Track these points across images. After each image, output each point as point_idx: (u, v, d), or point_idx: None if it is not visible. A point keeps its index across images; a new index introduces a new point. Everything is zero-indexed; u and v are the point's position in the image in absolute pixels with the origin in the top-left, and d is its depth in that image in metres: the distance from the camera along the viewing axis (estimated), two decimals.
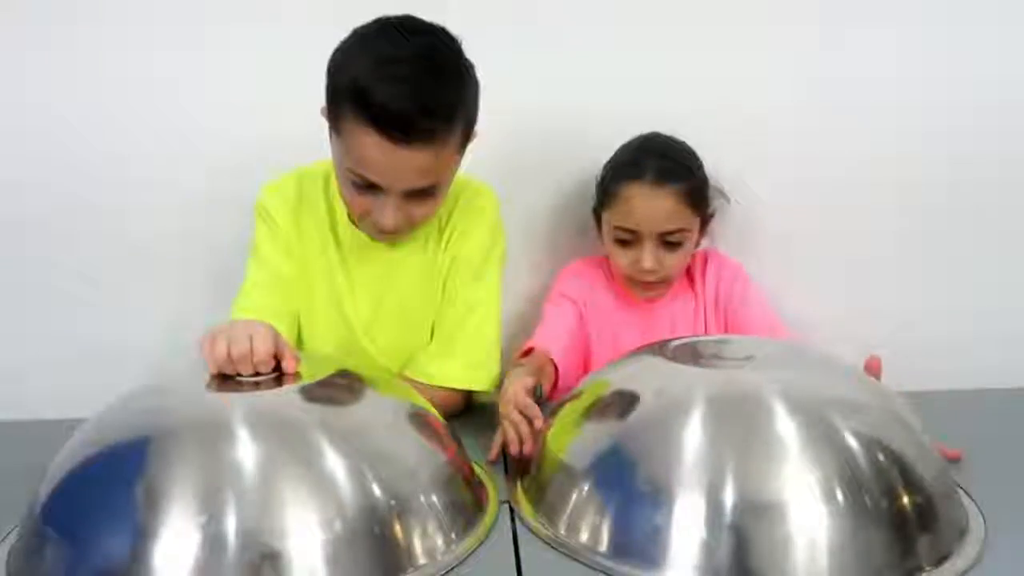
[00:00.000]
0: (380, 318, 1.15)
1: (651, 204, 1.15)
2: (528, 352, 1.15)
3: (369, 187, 0.98)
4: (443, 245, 1.14)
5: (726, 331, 1.26)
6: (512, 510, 0.84)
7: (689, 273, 1.28)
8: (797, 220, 1.34)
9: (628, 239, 1.18)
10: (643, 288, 1.22)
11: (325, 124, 1.01)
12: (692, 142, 1.21)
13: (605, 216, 1.21)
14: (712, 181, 1.22)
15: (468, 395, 1.14)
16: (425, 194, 1.00)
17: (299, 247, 1.12)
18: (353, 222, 1.11)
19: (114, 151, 1.26)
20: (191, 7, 1.23)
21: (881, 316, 1.35)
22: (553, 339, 1.18)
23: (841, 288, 1.37)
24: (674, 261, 1.18)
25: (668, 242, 1.17)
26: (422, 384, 1.08)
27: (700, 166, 1.21)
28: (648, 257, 1.16)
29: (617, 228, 1.19)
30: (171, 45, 1.23)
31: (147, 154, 1.26)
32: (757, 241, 1.33)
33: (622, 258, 1.20)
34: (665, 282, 1.22)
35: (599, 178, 1.24)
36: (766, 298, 1.27)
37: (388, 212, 0.99)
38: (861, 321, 1.34)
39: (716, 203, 1.24)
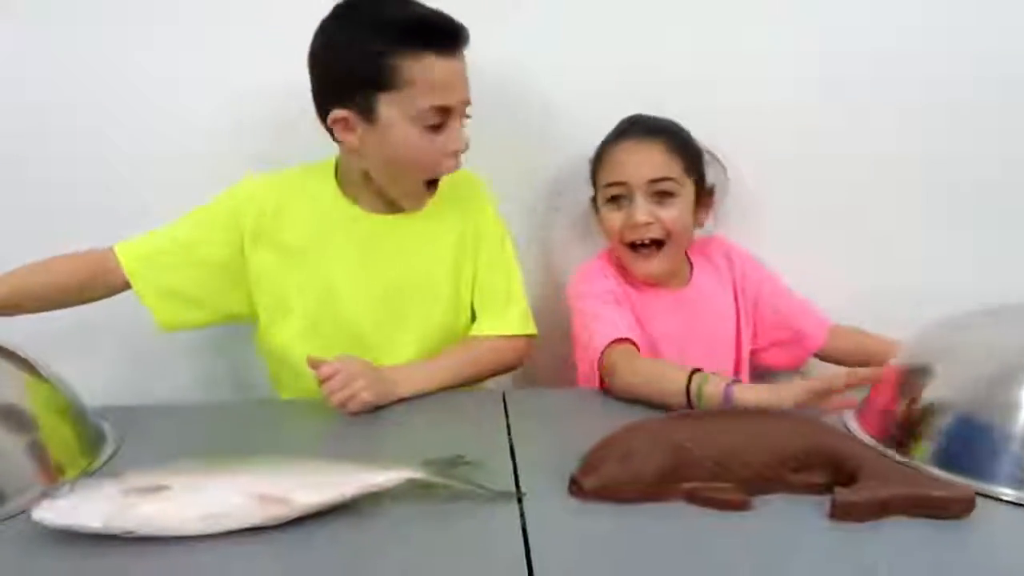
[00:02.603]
0: (387, 302, 1.15)
1: (638, 155, 1.15)
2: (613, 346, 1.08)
3: (436, 127, 1.04)
4: (449, 220, 1.17)
5: (756, 321, 1.25)
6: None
7: (707, 256, 1.27)
8: (804, 199, 1.33)
9: (619, 194, 1.17)
10: (643, 260, 1.18)
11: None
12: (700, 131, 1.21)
13: (598, 186, 1.20)
14: (707, 152, 1.22)
15: (526, 349, 1.19)
16: (466, 118, 1.09)
17: (272, 245, 1.12)
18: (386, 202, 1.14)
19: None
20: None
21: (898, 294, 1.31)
22: (635, 336, 1.11)
23: (861, 267, 1.35)
24: (667, 216, 1.15)
25: (659, 193, 1.15)
26: (488, 339, 1.16)
27: (690, 135, 1.20)
28: (640, 209, 1.15)
29: (608, 186, 1.17)
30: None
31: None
32: (763, 222, 1.32)
33: (616, 220, 1.17)
34: (663, 250, 1.17)
35: (591, 163, 1.23)
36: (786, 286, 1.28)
37: (459, 132, 1.07)
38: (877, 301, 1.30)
39: (713, 176, 1.23)
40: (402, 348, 1.15)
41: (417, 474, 0.76)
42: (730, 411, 0.80)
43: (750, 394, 0.93)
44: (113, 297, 1.12)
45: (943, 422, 0.87)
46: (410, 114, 1.02)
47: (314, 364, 1.00)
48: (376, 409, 1.01)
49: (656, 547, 0.70)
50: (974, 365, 0.89)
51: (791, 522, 0.73)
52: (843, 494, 0.73)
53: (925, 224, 1.34)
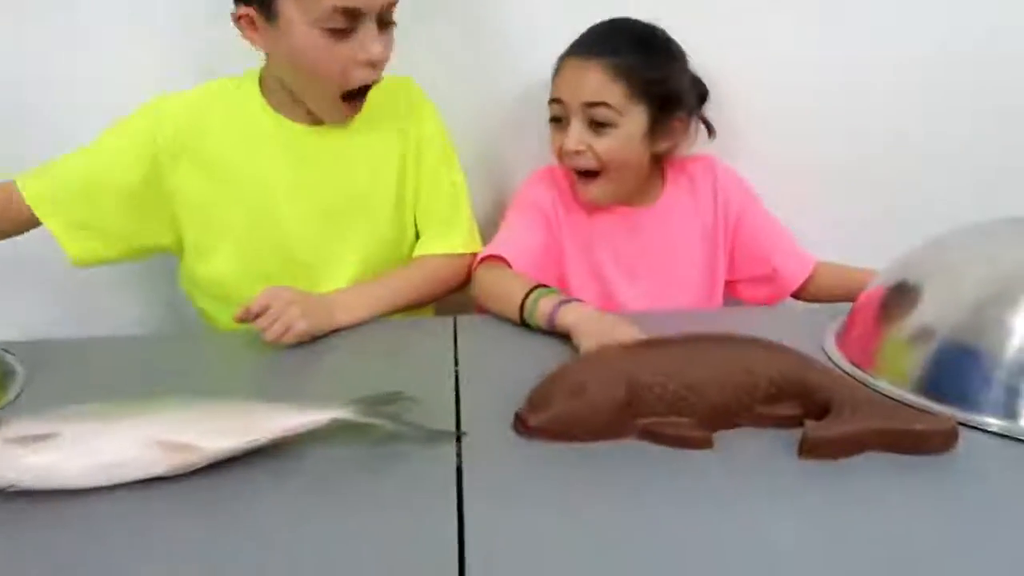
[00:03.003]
0: (326, 220, 1.06)
1: (577, 73, 1.05)
2: (487, 261, 1.05)
3: (343, 32, 0.94)
4: (388, 131, 1.08)
5: (734, 252, 1.16)
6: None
7: (689, 176, 1.17)
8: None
9: (559, 115, 1.08)
10: (583, 185, 1.09)
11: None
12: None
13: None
14: (694, 77, 1.11)
15: (468, 272, 1.10)
16: (390, 25, 0.99)
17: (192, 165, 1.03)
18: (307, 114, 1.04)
19: None
20: None
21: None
22: (524, 252, 1.07)
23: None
24: (600, 147, 1.05)
25: (595, 122, 1.05)
26: (434, 259, 1.09)
27: (665, 56, 1.08)
28: (572, 135, 1.05)
29: (550, 103, 1.09)
30: None
31: None
32: (757, 153, 1.23)
33: (556, 140, 1.09)
34: (599, 180, 1.08)
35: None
36: (776, 219, 1.18)
37: (373, 39, 0.96)
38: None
39: (698, 105, 1.13)
40: (344, 270, 1.06)
41: (342, 414, 0.69)
42: (694, 337, 0.72)
43: (571, 316, 0.88)
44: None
45: (927, 348, 0.79)
46: (312, 15, 0.92)
47: (242, 315, 0.91)
48: (313, 340, 0.93)
49: (606, 490, 0.63)
50: (962, 286, 0.81)
51: (757, 460, 0.66)
52: (814, 429, 0.66)
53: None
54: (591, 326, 0.86)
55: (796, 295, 1.16)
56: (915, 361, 0.80)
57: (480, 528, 0.59)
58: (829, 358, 0.88)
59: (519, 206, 1.13)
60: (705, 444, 0.68)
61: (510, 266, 1.04)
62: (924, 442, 0.65)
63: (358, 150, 1.06)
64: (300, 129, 1.04)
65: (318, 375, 0.87)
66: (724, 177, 1.17)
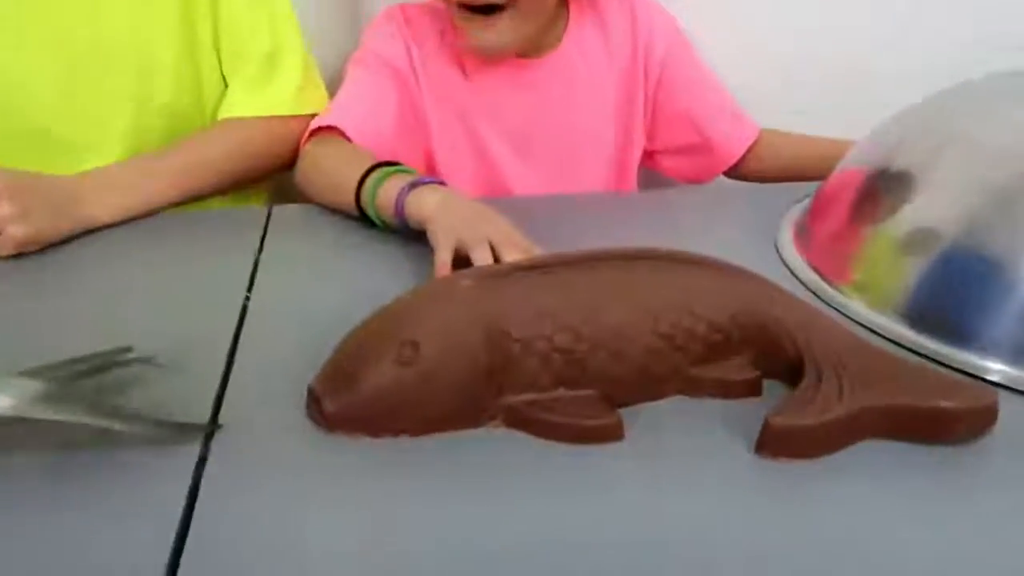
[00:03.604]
0: (78, 77, 0.74)
1: None
2: (319, 135, 0.76)
3: None
4: None
5: (656, 113, 0.88)
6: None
7: (599, 13, 0.86)
8: None
9: None
10: (478, 25, 0.77)
11: None
12: None
13: None
14: None
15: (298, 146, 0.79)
16: None
17: None
18: None
19: None
20: None
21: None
22: (370, 122, 0.77)
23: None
24: None
25: None
26: (243, 124, 0.77)
27: None
28: None
29: None
30: None
31: None
32: None
33: None
34: (504, 17, 0.77)
35: None
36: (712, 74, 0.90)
37: None
38: None
39: None
40: (108, 147, 0.75)
41: (16, 403, 0.40)
42: (592, 257, 0.45)
43: (425, 205, 0.60)
44: None
45: (921, 258, 0.55)
46: None
47: None
48: (46, 249, 0.63)
49: (425, 530, 0.37)
50: (973, 171, 0.57)
51: (687, 460, 0.41)
52: (781, 414, 0.41)
53: None
54: (449, 219, 0.58)
55: (735, 171, 0.91)
56: (902, 277, 0.56)
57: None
58: (785, 264, 0.63)
59: (361, 60, 0.82)
60: (612, 435, 0.42)
61: (350, 141, 0.75)
62: (950, 426, 0.42)
63: None
64: None
65: (28, 314, 0.56)
66: (646, 15, 0.87)
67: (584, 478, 0.40)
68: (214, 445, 0.42)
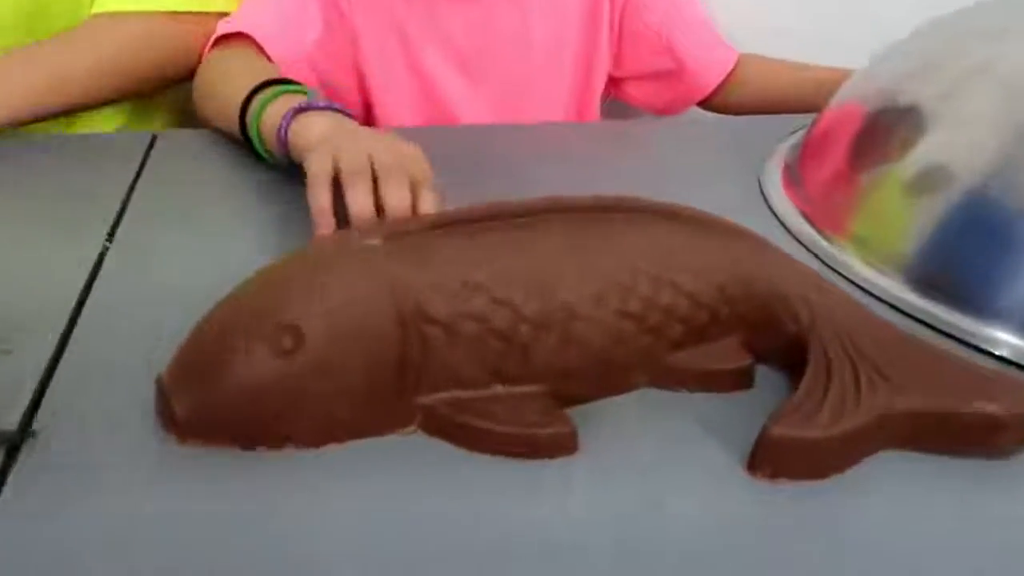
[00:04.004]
0: None
1: None
2: (224, 42, 0.62)
3: None
4: None
5: (622, 34, 0.76)
6: None
7: None
8: None
9: None
10: None
11: None
12: None
13: None
14: None
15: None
16: None
17: None
18: None
19: None
20: None
21: None
22: (285, 30, 0.64)
23: None
24: None
25: None
26: (114, 22, 0.62)
27: None
28: None
29: None
30: None
31: None
32: None
33: None
34: None
35: None
36: None
37: None
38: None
39: None
40: None
41: None
42: (542, 210, 0.34)
43: (312, 136, 0.47)
44: None
45: (933, 209, 0.46)
46: None
47: None
48: None
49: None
50: (996, 106, 0.47)
51: (658, 479, 0.32)
52: (782, 421, 0.32)
53: None
54: (336, 148, 0.44)
55: (711, 102, 0.80)
56: (910, 231, 0.47)
57: None
58: (773, 212, 0.53)
59: None
60: (562, 447, 0.32)
61: (263, 52, 0.62)
62: (993, 435, 0.32)
63: None
64: None
65: None
66: None
67: (525, 503, 0.30)
68: (21, 459, 0.31)
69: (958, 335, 0.41)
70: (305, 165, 0.43)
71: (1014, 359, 0.39)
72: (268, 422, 0.31)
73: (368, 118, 0.74)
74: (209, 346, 0.31)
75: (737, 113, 0.79)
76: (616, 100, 0.83)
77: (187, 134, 0.59)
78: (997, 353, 0.39)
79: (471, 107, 0.75)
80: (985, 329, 0.41)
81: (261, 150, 0.52)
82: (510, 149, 0.59)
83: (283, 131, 0.48)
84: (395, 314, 0.31)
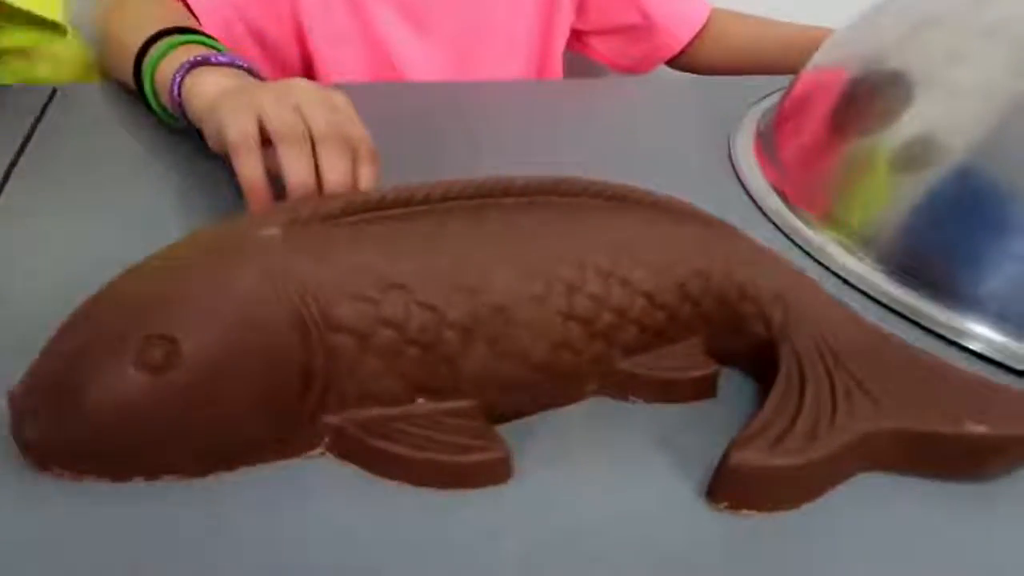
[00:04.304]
0: None
1: None
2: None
3: None
4: None
5: None
6: None
7: None
8: None
9: None
10: None
11: None
12: None
13: None
14: None
15: None
16: None
17: None
18: None
19: None
20: None
21: None
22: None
23: None
24: None
25: None
26: None
27: None
28: None
29: None
30: None
31: None
32: None
33: None
34: None
35: None
36: None
37: None
38: None
39: None
40: None
41: None
42: (475, 193, 0.29)
43: (206, 97, 0.40)
44: None
45: (916, 187, 0.42)
46: None
47: None
48: None
49: None
50: (997, 76, 0.42)
51: (602, 510, 0.27)
52: (748, 446, 0.27)
53: None
54: (239, 104, 0.37)
55: (681, 60, 0.74)
56: (892, 207, 0.43)
57: None
58: (743, 185, 0.49)
59: None
60: (493, 474, 0.28)
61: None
62: (983, 459, 0.29)
63: None
64: None
65: None
66: None
67: (448, 539, 0.26)
68: None
69: (931, 326, 0.37)
70: (220, 128, 0.36)
71: (987, 354, 0.35)
72: (139, 450, 0.26)
73: (309, 76, 0.68)
74: (65, 359, 0.25)
75: (709, 73, 0.74)
76: (580, 55, 0.78)
77: (92, 89, 0.52)
78: (971, 347, 0.36)
79: (423, 62, 0.68)
80: (961, 321, 0.37)
81: (158, 109, 0.45)
82: (461, 109, 0.54)
83: (175, 88, 0.41)
84: (295, 320, 0.26)
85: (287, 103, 0.35)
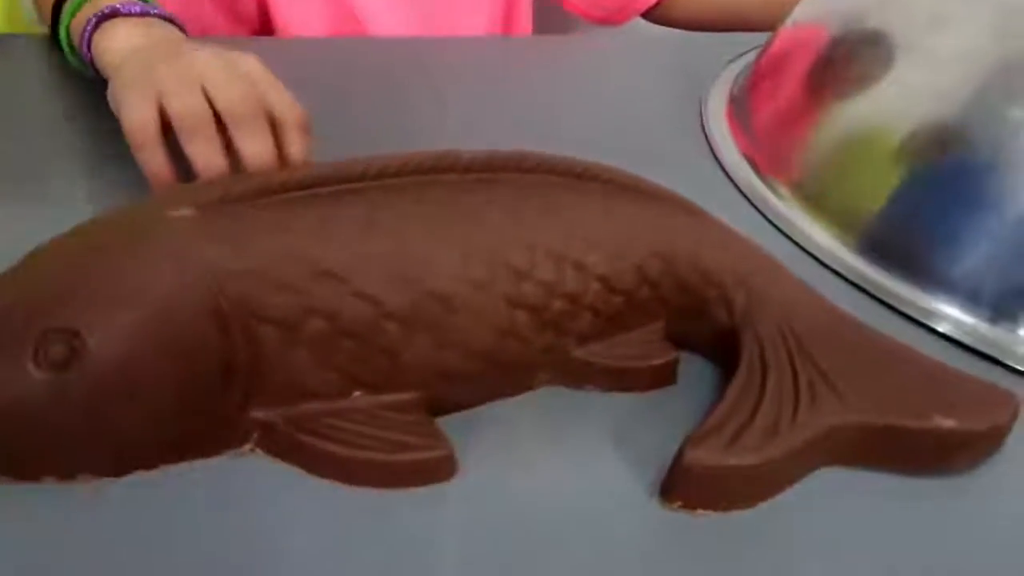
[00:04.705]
0: None
1: None
2: None
3: None
4: None
5: None
6: None
7: None
8: None
9: None
10: None
11: None
12: None
13: None
14: None
15: None
16: None
17: None
18: None
19: None
20: None
21: None
22: None
23: None
24: None
25: None
26: None
27: None
28: None
29: None
30: None
31: None
32: None
33: None
34: None
35: None
36: None
37: None
38: None
39: None
40: None
41: None
42: (416, 169, 0.26)
43: (120, 46, 0.36)
44: None
45: (890, 158, 0.40)
46: None
47: None
48: None
49: None
50: (981, 42, 0.40)
51: (550, 512, 0.26)
52: (704, 444, 0.25)
53: None
54: (149, 69, 0.33)
55: (657, 13, 0.71)
56: (868, 184, 0.41)
57: None
58: (713, 152, 0.47)
59: None
60: (436, 472, 0.26)
61: None
62: (949, 454, 0.27)
63: None
64: None
65: None
66: None
67: (384, 542, 0.24)
68: None
69: (899, 306, 0.35)
70: (117, 112, 0.32)
71: (956, 336, 0.34)
72: (44, 451, 0.24)
73: (266, 29, 0.64)
74: None
75: (687, 27, 0.71)
76: (552, 4, 0.74)
77: (21, 40, 0.48)
78: (939, 329, 0.34)
79: (382, 16, 0.65)
80: (930, 301, 0.36)
81: (76, 64, 0.42)
82: (423, 65, 0.51)
83: (84, 45, 0.38)
84: (213, 310, 0.24)
85: (189, 80, 0.31)
